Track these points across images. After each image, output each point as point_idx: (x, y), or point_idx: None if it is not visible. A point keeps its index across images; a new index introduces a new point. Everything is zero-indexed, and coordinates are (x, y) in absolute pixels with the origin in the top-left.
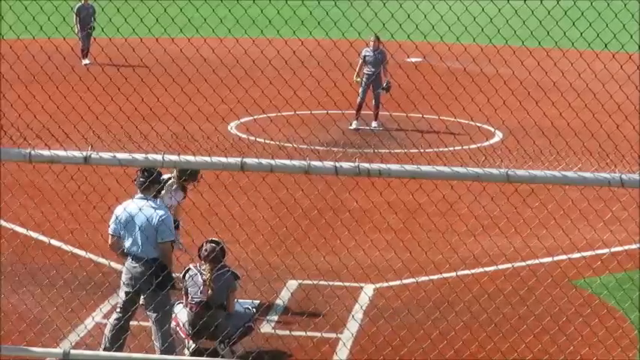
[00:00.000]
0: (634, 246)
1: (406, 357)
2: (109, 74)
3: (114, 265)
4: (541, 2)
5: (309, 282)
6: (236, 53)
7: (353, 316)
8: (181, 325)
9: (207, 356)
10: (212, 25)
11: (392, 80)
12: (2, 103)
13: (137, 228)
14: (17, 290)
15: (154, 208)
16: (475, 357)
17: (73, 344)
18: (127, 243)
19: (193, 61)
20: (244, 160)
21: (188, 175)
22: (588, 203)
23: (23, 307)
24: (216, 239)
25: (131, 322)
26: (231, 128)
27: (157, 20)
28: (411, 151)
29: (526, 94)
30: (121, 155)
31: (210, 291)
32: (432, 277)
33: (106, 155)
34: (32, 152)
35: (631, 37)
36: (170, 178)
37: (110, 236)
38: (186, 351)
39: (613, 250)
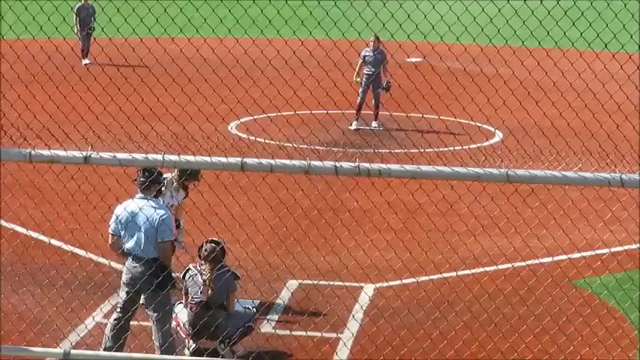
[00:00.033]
0: (634, 246)
1: (406, 357)
2: (109, 74)
3: (114, 264)
4: (541, 2)
5: (310, 282)
6: (236, 53)
7: (353, 316)
8: (182, 325)
9: (207, 356)
10: (212, 25)
11: (392, 80)
12: (2, 103)
13: (138, 228)
14: (17, 290)
15: (154, 207)
16: (475, 357)
17: (73, 344)
18: (128, 243)
19: (193, 61)
20: (244, 160)
21: (189, 175)
22: (588, 203)
23: (23, 307)
24: (217, 239)
25: (131, 322)
26: (231, 128)
27: (157, 20)
28: (411, 151)
29: (526, 94)
30: (121, 155)
31: (210, 291)
32: (432, 277)
33: (106, 155)
34: (32, 152)
35: (631, 37)
36: (171, 178)
37: (110, 236)
38: (186, 351)
39: (613, 250)
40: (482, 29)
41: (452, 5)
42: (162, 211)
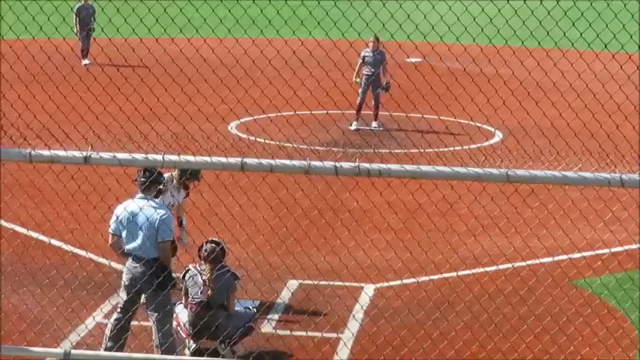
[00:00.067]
0: (634, 246)
1: (407, 357)
2: (108, 74)
3: (114, 265)
4: (541, 2)
5: (310, 282)
6: (236, 53)
7: (354, 316)
8: (182, 325)
9: (207, 356)
10: (212, 25)
11: (392, 80)
12: (2, 103)
13: (138, 228)
14: (17, 290)
15: (154, 207)
16: (476, 357)
17: (73, 344)
18: (128, 243)
19: (193, 61)
20: (244, 160)
21: (189, 174)
22: (588, 203)
23: (23, 307)
24: (217, 239)
25: (132, 322)
26: (231, 128)
27: (157, 20)
28: (411, 151)
29: (526, 95)
30: (121, 155)
31: (210, 291)
32: (432, 277)
33: (106, 155)
34: (32, 152)
35: (631, 37)
36: (170, 175)
37: (110, 235)
38: (186, 351)
39: (613, 250)
40: (482, 29)
41: (452, 5)
42: (162, 211)
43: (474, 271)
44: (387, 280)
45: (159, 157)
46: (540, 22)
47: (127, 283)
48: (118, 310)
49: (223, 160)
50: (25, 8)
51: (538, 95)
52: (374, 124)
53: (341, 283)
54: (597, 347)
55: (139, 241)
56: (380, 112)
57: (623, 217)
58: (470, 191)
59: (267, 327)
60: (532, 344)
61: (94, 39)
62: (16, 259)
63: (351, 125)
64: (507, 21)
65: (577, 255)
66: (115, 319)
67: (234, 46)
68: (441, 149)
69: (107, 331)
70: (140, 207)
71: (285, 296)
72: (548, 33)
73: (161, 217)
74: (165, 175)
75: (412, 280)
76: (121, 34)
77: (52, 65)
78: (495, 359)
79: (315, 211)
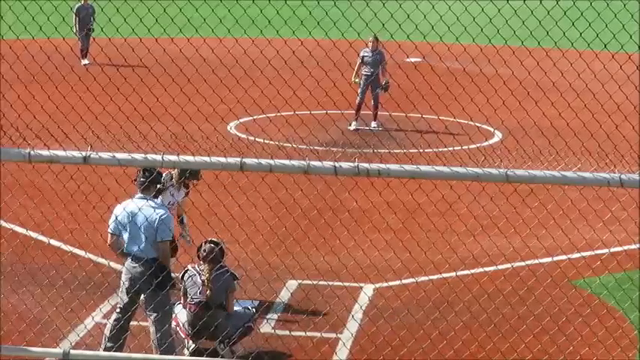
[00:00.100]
0: (633, 246)
1: (406, 357)
2: (108, 74)
3: (113, 265)
4: (540, 2)
5: (309, 282)
6: (235, 53)
7: (353, 316)
8: (181, 325)
9: (207, 356)
10: (211, 25)
11: (391, 80)
12: (2, 103)
13: (137, 228)
14: (17, 290)
15: (153, 207)
16: (475, 357)
17: (72, 344)
18: (127, 243)
19: (193, 61)
20: (243, 160)
21: (189, 174)
22: (588, 203)
23: (23, 307)
24: (216, 239)
25: (131, 322)
26: (230, 128)
27: (157, 20)
28: (411, 151)
29: (525, 95)
30: (120, 155)
31: (209, 291)
32: (431, 277)
33: (105, 155)
34: (32, 152)
35: (630, 37)
36: (168, 173)
37: (110, 235)
38: (186, 351)
39: (612, 250)
40: (482, 29)
41: (451, 5)
42: (161, 211)
43: (473, 271)
44: (386, 280)
45: (158, 157)
46: (540, 22)
47: (126, 283)
48: (117, 310)
49: (222, 160)
50: (25, 8)
51: (537, 95)
52: (373, 124)
53: (340, 283)
54: (596, 347)
55: (138, 241)
56: (379, 112)
57: (622, 217)
58: (469, 191)
59: (266, 327)
60: (531, 344)
61: (94, 39)
62: (15, 259)
63: (350, 125)
64: (507, 21)
65: (576, 255)
66: (114, 319)
67: (233, 46)
68: (440, 149)
69: (106, 331)
70: (139, 207)
71: (284, 296)
72: (547, 33)
73: (160, 217)
74: (164, 174)
75: (411, 280)
76: (121, 34)
77: (52, 65)
78: (494, 359)
79: (314, 211)
